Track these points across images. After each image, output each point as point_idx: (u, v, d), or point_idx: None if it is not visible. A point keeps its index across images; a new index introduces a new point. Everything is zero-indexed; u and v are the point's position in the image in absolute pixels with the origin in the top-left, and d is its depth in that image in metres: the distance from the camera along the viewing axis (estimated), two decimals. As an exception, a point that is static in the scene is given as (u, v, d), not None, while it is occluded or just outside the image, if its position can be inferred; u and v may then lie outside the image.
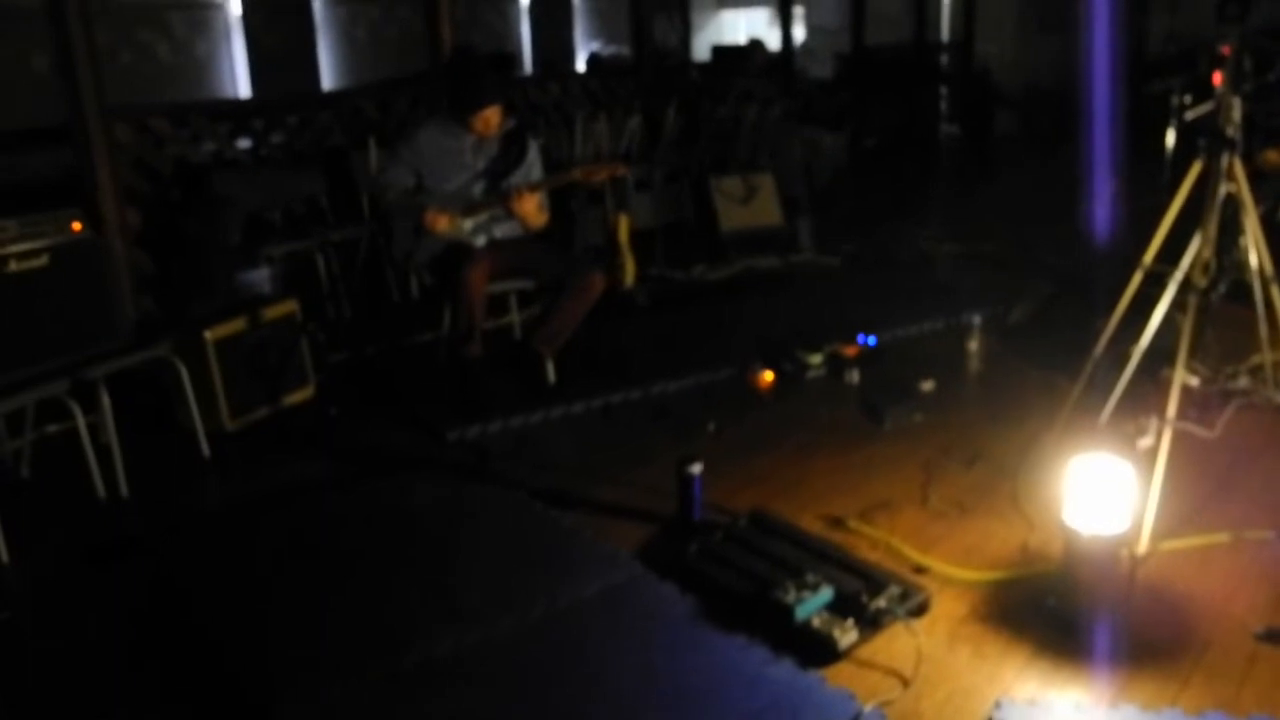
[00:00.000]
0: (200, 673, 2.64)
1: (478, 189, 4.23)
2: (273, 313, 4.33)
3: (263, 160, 6.06)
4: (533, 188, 4.12)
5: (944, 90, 13.28)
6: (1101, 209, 6.81)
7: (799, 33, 15.03)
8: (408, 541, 3.15)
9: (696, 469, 3.16)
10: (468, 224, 4.20)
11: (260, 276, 5.55)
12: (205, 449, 3.92)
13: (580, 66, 14.15)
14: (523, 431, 4.10)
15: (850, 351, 4.61)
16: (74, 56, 5.07)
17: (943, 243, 7.01)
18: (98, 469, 3.53)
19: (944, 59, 13.40)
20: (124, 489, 3.60)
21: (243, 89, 10.77)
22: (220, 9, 10.64)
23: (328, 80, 11.46)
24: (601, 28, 14.82)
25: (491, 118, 4.15)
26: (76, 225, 3.56)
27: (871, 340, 4.76)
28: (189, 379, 3.97)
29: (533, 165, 4.34)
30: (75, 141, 5.23)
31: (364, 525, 3.29)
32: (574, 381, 4.45)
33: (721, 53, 11.26)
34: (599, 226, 6.65)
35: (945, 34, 14.29)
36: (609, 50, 14.25)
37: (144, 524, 3.45)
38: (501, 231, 4.29)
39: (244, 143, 6.01)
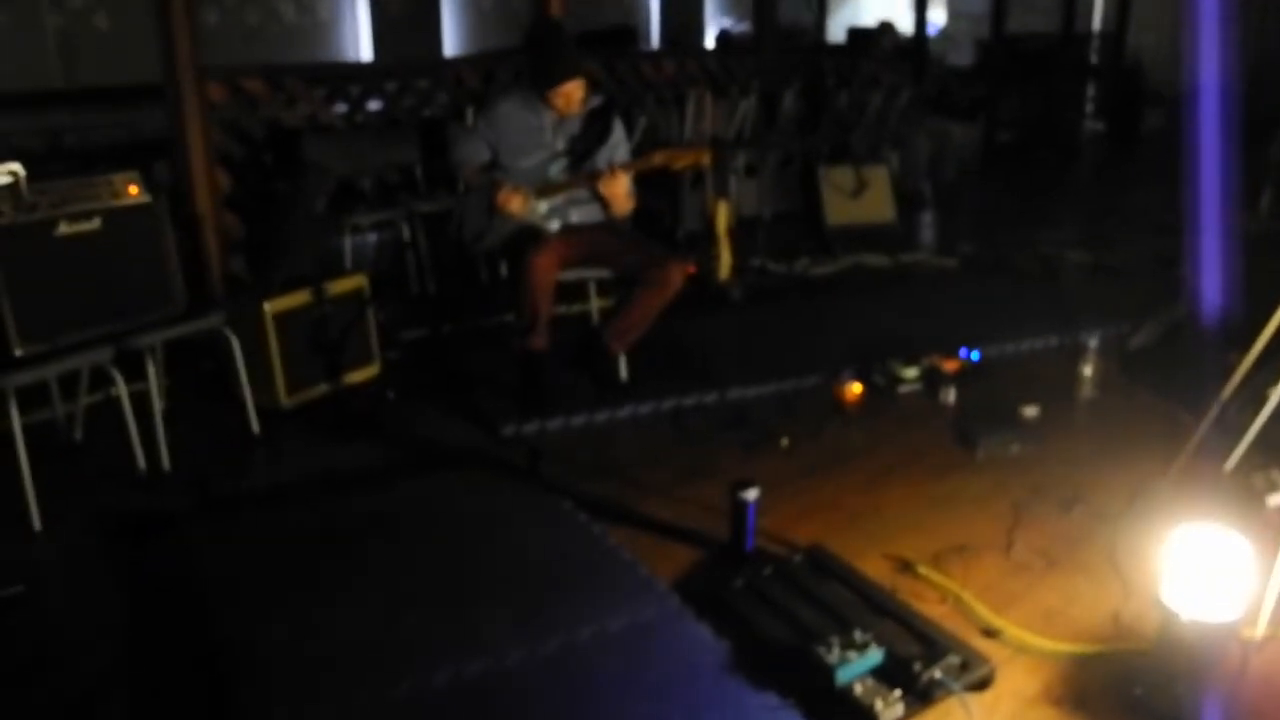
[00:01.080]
0: (193, 672, 2.47)
1: (555, 169, 3.98)
2: (339, 287, 4.17)
3: (358, 127, 5.94)
4: (624, 168, 3.85)
5: (1091, 84, 12.50)
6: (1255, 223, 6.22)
7: (940, 17, 14.37)
8: (438, 548, 2.94)
9: (752, 495, 2.86)
10: (543, 205, 3.96)
11: (346, 245, 5.42)
12: (255, 426, 3.78)
13: (709, 44, 13.78)
14: (584, 431, 3.86)
15: (950, 366, 4.23)
16: (170, 13, 5.01)
17: (1069, 250, 6.50)
18: (139, 441, 3.42)
19: (1093, 50, 12.60)
20: (166, 462, 3.49)
21: (365, 53, 10.76)
22: (348, -30, 10.65)
23: (450, 48, 11.37)
24: (734, 3, 14.39)
25: (573, 93, 3.89)
26: (133, 189, 3.44)
27: (975, 355, 4.37)
28: (245, 352, 3.86)
29: (616, 146, 4.07)
30: (167, 101, 5.19)
31: (396, 526, 3.09)
32: (647, 380, 4.18)
33: (857, 35, 10.77)
34: (699, 213, 6.35)
35: (1097, 23, 13.46)
36: (740, 28, 13.83)
37: (177, 501, 3.33)
38: (579, 216, 4.04)
39: (340, 108, 5.89)
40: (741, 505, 2.87)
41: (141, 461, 3.43)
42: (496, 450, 3.66)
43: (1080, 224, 7.73)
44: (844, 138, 7.78)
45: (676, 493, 3.32)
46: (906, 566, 2.87)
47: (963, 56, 13.12)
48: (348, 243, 5.36)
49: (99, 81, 8.88)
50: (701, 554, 2.96)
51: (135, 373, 3.48)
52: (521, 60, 5.89)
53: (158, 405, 3.48)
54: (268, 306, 3.90)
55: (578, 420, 3.88)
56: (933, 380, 4.18)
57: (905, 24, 9.88)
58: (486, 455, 3.62)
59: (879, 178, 6.36)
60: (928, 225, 7.32)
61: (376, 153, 5.87)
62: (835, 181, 6.30)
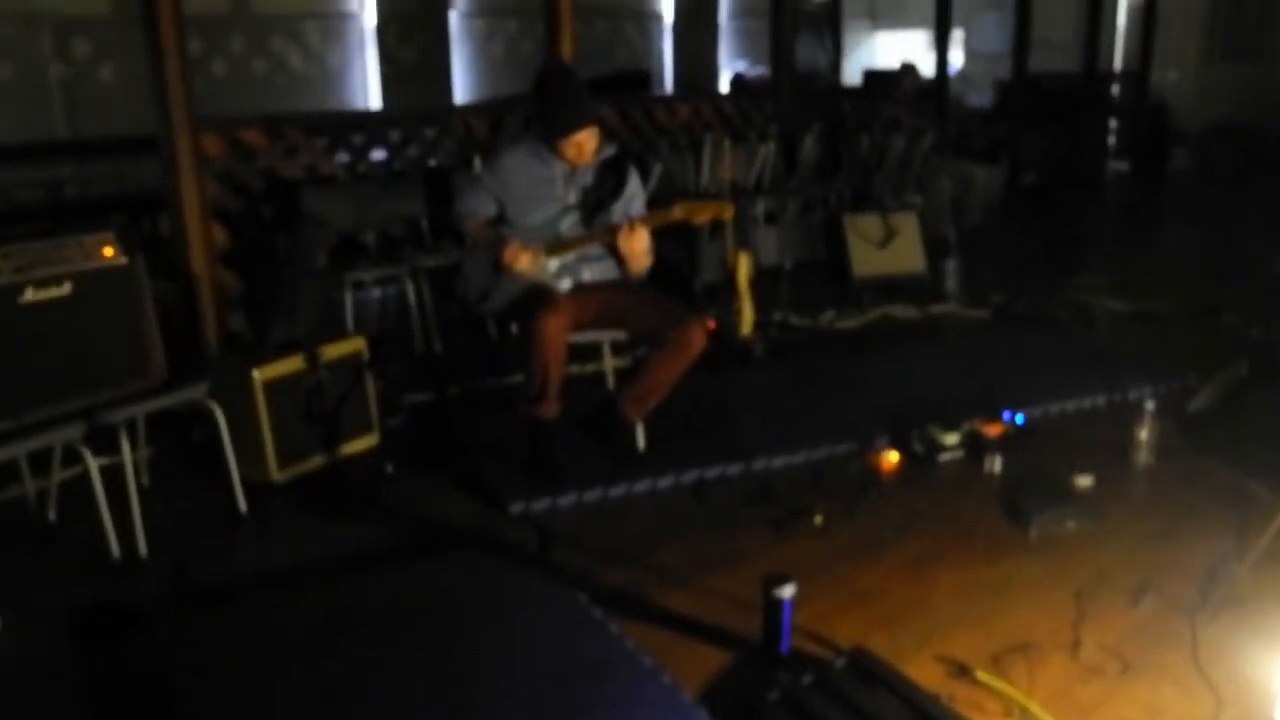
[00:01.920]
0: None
1: (566, 224, 3.70)
2: (335, 351, 3.89)
3: (361, 178, 5.70)
4: (645, 222, 3.57)
5: (1114, 123, 12.24)
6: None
7: (957, 58, 14.18)
8: (435, 649, 2.63)
9: (788, 592, 2.55)
10: (553, 263, 3.68)
11: (347, 302, 5.15)
12: (242, 505, 3.49)
13: (724, 88, 13.60)
14: (598, 508, 3.55)
15: (993, 431, 3.92)
16: (164, 64, 4.79)
17: (1105, 297, 6.19)
18: (113, 525, 3.13)
19: (1115, 89, 12.35)
20: (142, 547, 3.20)
21: (374, 102, 10.59)
22: (355, 19, 10.49)
23: (460, 96, 11.20)
24: (748, 47, 14.24)
25: (586, 143, 3.62)
26: (108, 250, 3.18)
27: (1019, 418, 4.05)
28: (234, 422, 3.58)
29: (633, 199, 3.80)
30: (161, 154, 4.95)
31: (391, 621, 2.78)
32: (665, 448, 3.88)
33: (873, 77, 10.54)
34: (718, 263, 6.07)
35: (1118, 62, 13.24)
36: (755, 71, 13.64)
37: (152, 592, 3.03)
38: (591, 274, 3.76)
39: (341, 158, 5.66)
40: (776, 604, 2.55)
41: (115, 548, 3.13)
42: (504, 531, 3.36)
43: (1112, 268, 7.43)
44: (866, 182, 7.52)
45: (700, 581, 3.00)
46: (963, 671, 2.54)
47: (981, 98, 12.90)
48: (349, 299, 5.09)
49: (103, 133, 8.72)
50: (730, 656, 2.64)
51: (114, 446, 3.21)
52: (531, 107, 5.66)
53: (133, 486, 3.19)
54: (257, 374, 3.62)
55: (591, 495, 3.58)
56: (975, 447, 3.87)
57: (923, 65, 9.64)
58: (493, 537, 3.32)
59: (908, 225, 6.07)
60: (953, 273, 7.04)
61: (380, 205, 5.61)
62: (861, 230, 6.01)
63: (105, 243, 3.18)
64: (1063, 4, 12.78)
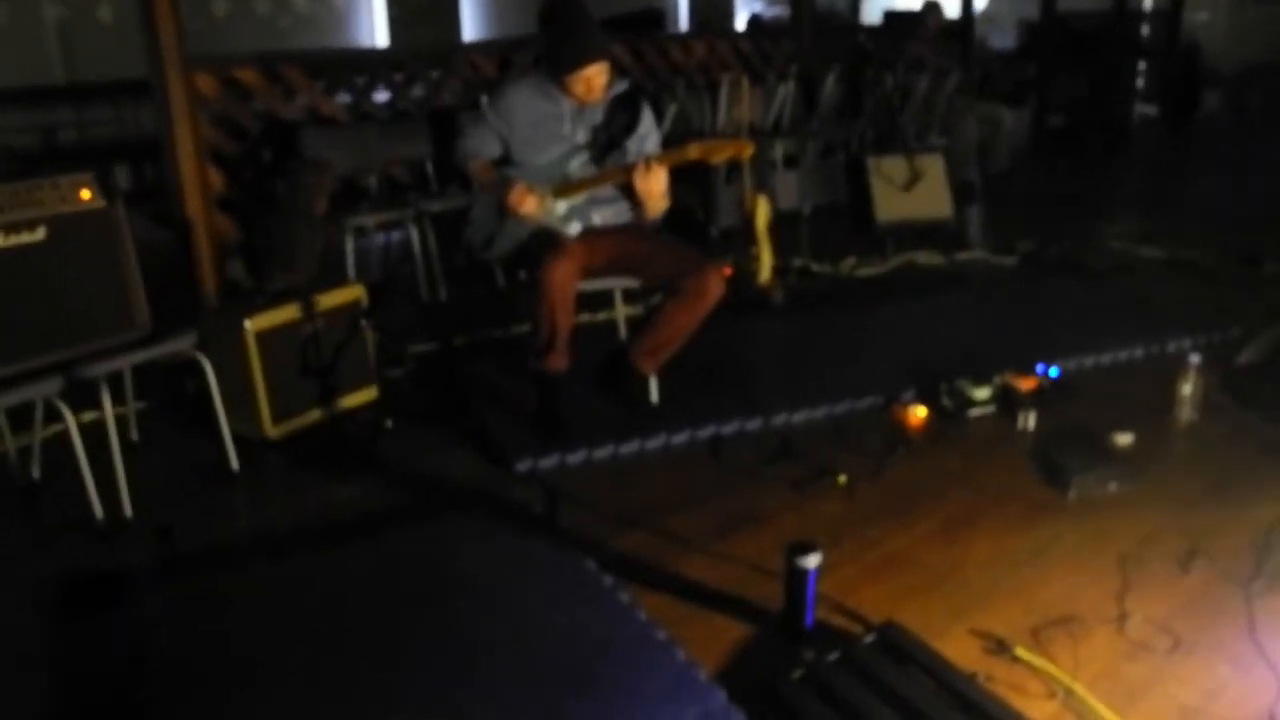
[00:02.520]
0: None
1: (575, 164, 3.47)
2: (332, 300, 3.70)
3: (363, 119, 5.46)
4: (660, 161, 3.33)
5: (1143, 64, 11.83)
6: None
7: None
8: (429, 618, 2.45)
9: (812, 561, 2.36)
10: (561, 206, 3.46)
11: (349, 248, 4.93)
12: (234, 463, 3.31)
13: (740, 29, 13.22)
14: (609, 466, 3.36)
15: (1026, 385, 3.71)
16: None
17: (1140, 245, 5.94)
18: (94, 485, 2.95)
19: (1145, 29, 11.93)
20: (128, 508, 3.02)
21: (381, 43, 10.30)
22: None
23: (470, 37, 10.89)
24: (768, -14, 13.82)
25: (595, 79, 3.38)
26: (86, 193, 2.97)
27: (1053, 371, 3.83)
28: (226, 376, 3.41)
29: (646, 137, 3.56)
30: (153, 94, 4.73)
31: (380, 589, 2.61)
32: (681, 403, 3.68)
33: (895, 18, 10.17)
34: (735, 208, 5.83)
35: (1148, 1, 12.79)
36: (772, 12, 13.25)
37: (136, 556, 2.86)
38: (602, 217, 3.53)
39: (343, 99, 5.42)
40: (800, 575, 2.36)
41: (98, 509, 2.96)
42: (509, 491, 3.17)
43: (1145, 216, 7.16)
44: (889, 125, 7.22)
45: (718, 547, 2.81)
46: (1001, 647, 2.35)
47: (1005, 39, 12.49)
48: (350, 246, 4.88)
49: (101, 76, 8.48)
50: (751, 629, 2.46)
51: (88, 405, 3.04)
52: (539, 44, 5.39)
53: (116, 444, 3.01)
54: (249, 324, 3.42)
55: (602, 452, 3.39)
56: (1008, 402, 3.66)
57: (947, 4, 9.28)
58: (497, 498, 3.13)
59: (933, 168, 5.79)
60: (978, 219, 6.78)
61: (383, 147, 5.38)
62: (885, 172, 5.73)
63: (82, 185, 2.98)
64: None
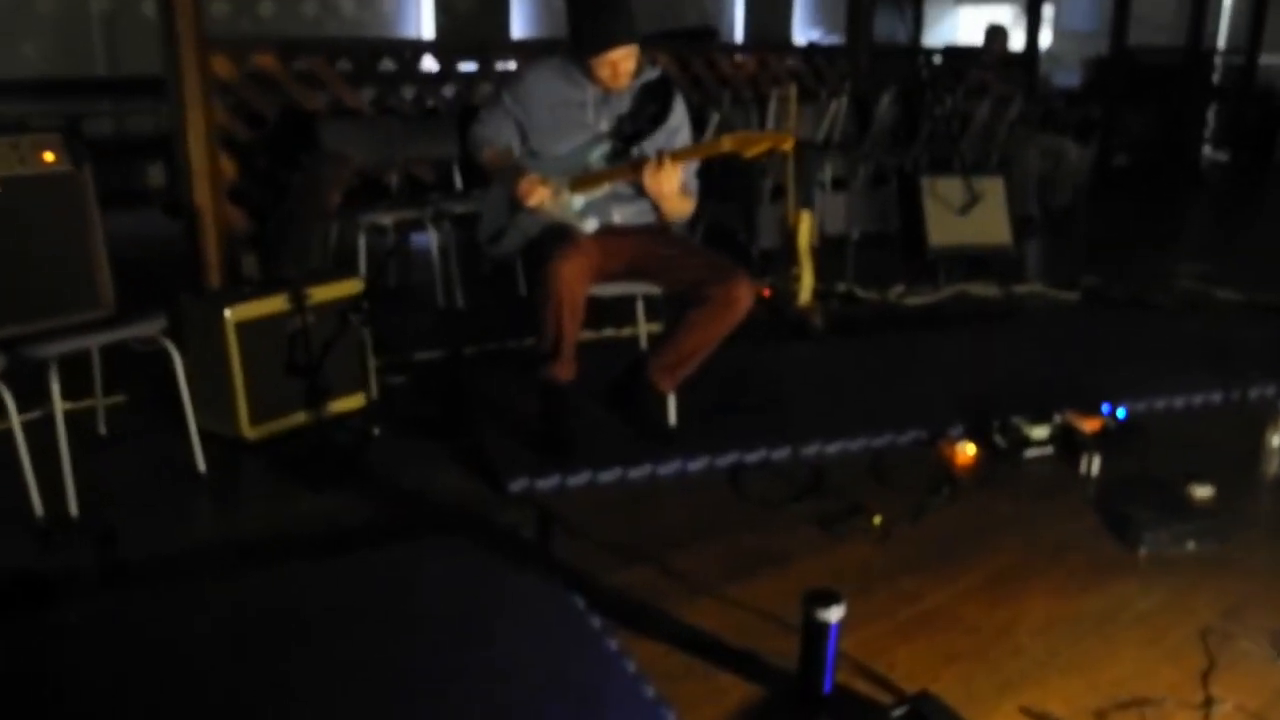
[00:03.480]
0: None
1: (596, 155, 3.14)
2: (326, 292, 3.37)
3: (387, 112, 5.18)
4: (675, 156, 2.99)
5: (1213, 107, 11.35)
6: None
7: (1045, 37, 13.32)
8: (377, 651, 2.10)
9: (834, 615, 1.98)
10: (577, 200, 3.12)
11: (360, 246, 4.64)
12: (201, 464, 2.99)
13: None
14: (616, 491, 3.00)
15: (1089, 426, 3.30)
16: (172, -30, 4.31)
17: (1214, 286, 5.49)
18: (34, 479, 2.64)
19: (1218, 70, 11.45)
20: (73, 506, 2.71)
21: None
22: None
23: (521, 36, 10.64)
24: (823, 16, 13.49)
25: (622, 63, 3.05)
26: (48, 155, 2.68)
27: (1120, 413, 3.42)
28: (203, 369, 3.12)
29: (677, 131, 3.22)
30: (166, 75, 4.49)
31: (341, 620, 2.26)
32: (701, 426, 3.32)
33: (954, 53, 9.81)
34: (778, 227, 5.46)
35: (1222, 40, 12.31)
36: (829, 40, 12.93)
37: (73, 560, 2.54)
38: (622, 215, 3.19)
39: (367, 92, 5.15)
40: (819, 629, 1.98)
41: (39, 507, 2.65)
42: (499, 513, 2.82)
43: (1219, 258, 6.70)
44: (946, 151, 6.84)
45: (730, 591, 2.44)
46: (1059, 732, 1.96)
47: (1069, 77, 12.07)
48: (362, 244, 4.58)
49: (143, 71, 8.33)
50: (759, 691, 2.08)
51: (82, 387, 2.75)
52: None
53: (63, 434, 2.69)
54: (229, 313, 3.11)
55: (608, 476, 3.03)
56: (1068, 443, 3.25)
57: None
58: (484, 520, 2.78)
59: (993, 191, 5.39)
60: (1037, 255, 6.38)
61: (407, 144, 5.11)
62: (941, 194, 5.34)
63: (46, 145, 2.69)
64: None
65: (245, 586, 2.40)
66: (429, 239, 4.81)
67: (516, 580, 2.40)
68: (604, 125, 3.17)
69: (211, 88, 4.55)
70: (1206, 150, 11.31)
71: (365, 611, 2.27)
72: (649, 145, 3.11)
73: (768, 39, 13.00)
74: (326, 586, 2.39)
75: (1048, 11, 13.05)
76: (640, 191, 3.10)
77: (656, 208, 3.15)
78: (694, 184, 3.27)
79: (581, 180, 3.11)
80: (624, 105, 3.18)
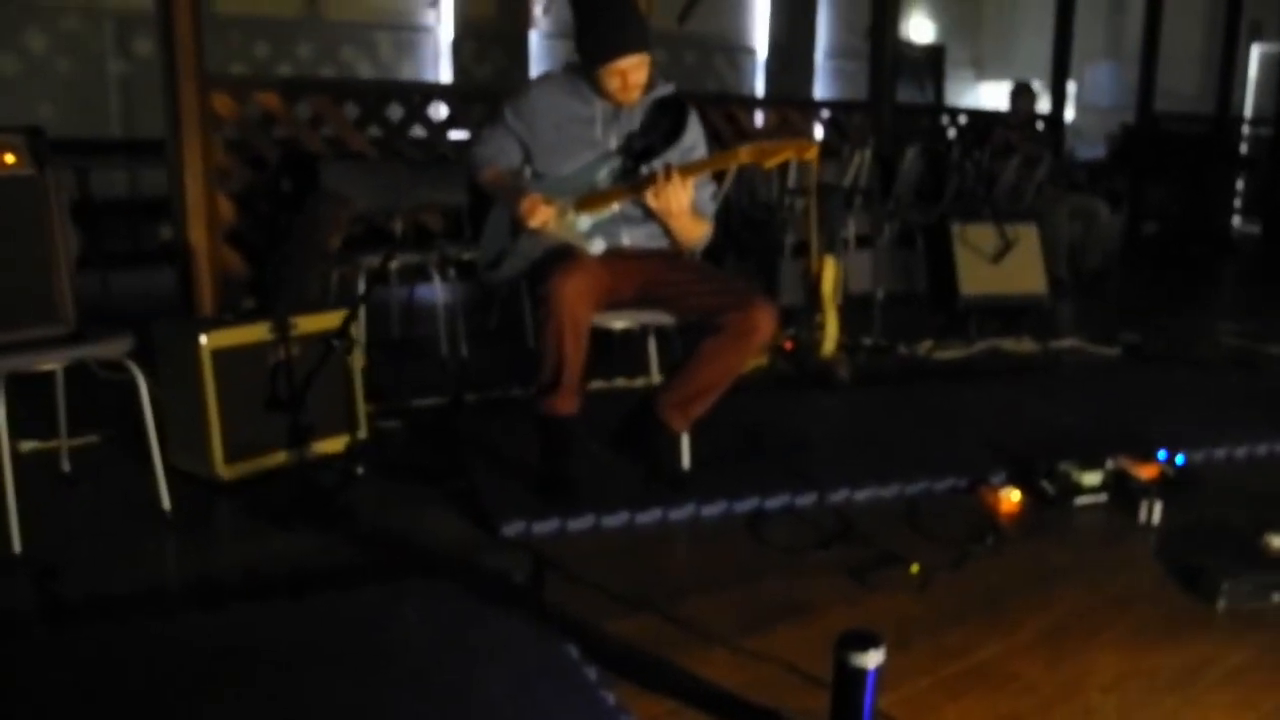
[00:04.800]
0: None
1: (605, 173, 2.91)
2: (314, 324, 3.13)
3: (394, 156, 5.00)
4: (684, 170, 2.75)
5: (1242, 177, 11.13)
6: None
7: (1068, 113, 13.22)
8: (351, 708, 1.80)
9: (872, 660, 1.67)
10: (583, 220, 2.88)
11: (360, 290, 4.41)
12: (165, 502, 2.72)
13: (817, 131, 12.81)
14: (621, 537, 2.70)
15: (1145, 473, 3.00)
16: (172, 3, 4.18)
17: (1261, 342, 5.19)
18: (-25, 513, 2.38)
19: (1245, 140, 11.26)
20: (16, 542, 2.43)
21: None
22: (430, 32, 9.96)
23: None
24: (845, 89, 13.45)
25: (632, 74, 2.83)
26: (9, 157, 2.47)
27: (1179, 459, 3.12)
28: (177, 401, 2.89)
29: (691, 150, 2.99)
30: (165, 109, 4.33)
31: (298, 663, 1.96)
32: (717, 469, 3.04)
33: (979, 114, 9.67)
34: (799, 282, 5.21)
35: (1249, 109, 12.14)
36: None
37: (9, 600, 2.26)
38: (632, 239, 2.95)
39: (373, 132, 4.98)
40: (855, 677, 1.67)
41: (-22, 541, 2.38)
42: (490, 558, 2.52)
43: (1261, 319, 6.39)
44: (974, 209, 6.61)
45: (748, 641, 2.13)
46: (1142, 807, 1.63)
47: (1093, 150, 11.92)
48: (362, 285, 4.35)
49: (157, 134, 8.27)
50: (782, 755, 1.77)
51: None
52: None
53: (7, 460, 2.43)
54: (205, 339, 2.86)
55: (613, 521, 2.73)
56: (1123, 490, 2.95)
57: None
58: (473, 563, 2.49)
59: (1027, 238, 5.13)
60: (1071, 314, 6.09)
61: (414, 189, 4.89)
62: (972, 241, 5.09)
63: (6, 147, 2.47)
64: (1186, 52, 11.80)
65: (191, 626, 2.11)
66: (435, 291, 4.59)
67: (500, 625, 2.10)
68: (613, 142, 2.94)
69: (210, 125, 4.38)
70: (1236, 221, 11.07)
71: (326, 655, 1.97)
72: (660, 164, 2.87)
73: (792, 59, 12.90)
74: (285, 627, 2.10)
75: (1070, 87, 13.00)
76: (640, 210, 2.86)
77: (668, 231, 2.91)
78: (709, 207, 3.03)
79: (588, 200, 2.87)
80: (634, 121, 2.96)
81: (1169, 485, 2.98)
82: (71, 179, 7.61)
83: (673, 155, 2.92)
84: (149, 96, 8.63)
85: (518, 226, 2.87)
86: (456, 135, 5.31)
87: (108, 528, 2.68)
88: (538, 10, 10.53)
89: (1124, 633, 2.20)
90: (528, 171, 2.97)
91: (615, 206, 2.89)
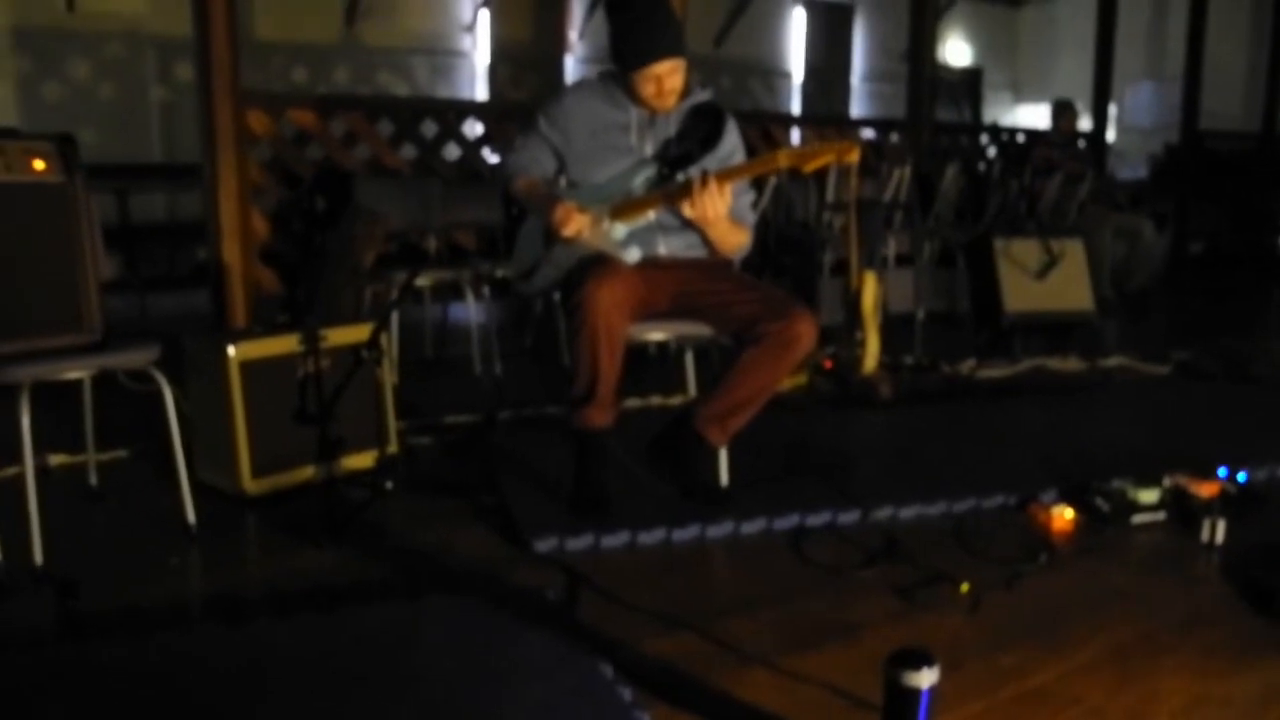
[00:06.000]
0: None
1: (640, 180, 2.83)
2: (344, 337, 3.07)
3: (428, 173, 4.97)
4: (721, 176, 2.67)
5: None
6: None
7: (1109, 134, 13.04)
8: (363, 714, 1.72)
9: (925, 679, 1.57)
10: (618, 229, 2.80)
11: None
12: (191, 516, 2.66)
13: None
14: (657, 554, 2.61)
15: (1206, 491, 2.86)
16: (210, 20, 4.18)
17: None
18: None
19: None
20: (38, 556, 2.38)
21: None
22: (466, 57, 10.01)
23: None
24: (881, 109, 13.37)
25: (667, 79, 2.76)
26: (38, 163, 2.44)
27: (1241, 477, 2.98)
28: (205, 416, 2.83)
29: (729, 158, 2.91)
30: (202, 126, 4.33)
31: (319, 681, 1.88)
32: (757, 486, 2.94)
33: (1019, 132, 9.53)
34: (838, 299, 5.11)
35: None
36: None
37: (28, 615, 2.20)
38: (669, 248, 2.87)
39: (408, 151, 4.95)
40: (907, 697, 1.57)
41: (-1, 554, 2.33)
42: (523, 575, 2.44)
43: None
44: (1016, 228, 6.49)
45: (789, 662, 2.02)
46: (1222, 841, 1.51)
47: (1134, 171, 11.73)
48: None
49: (198, 158, 8.35)
50: (828, 780, 1.66)
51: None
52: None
53: (30, 474, 2.38)
54: (233, 350, 2.82)
55: (649, 537, 2.64)
56: (1183, 508, 2.81)
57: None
58: (504, 580, 2.40)
59: (1073, 253, 5.01)
60: (1117, 332, 5.94)
61: (448, 208, 4.85)
62: (1016, 257, 4.97)
63: (35, 153, 2.44)
64: (1230, 71, 11.60)
65: (213, 641, 2.04)
66: (468, 310, 4.54)
67: (531, 643, 2.01)
68: (648, 149, 2.87)
69: (246, 143, 4.37)
70: (1281, 242, 10.82)
71: (352, 673, 1.89)
72: (696, 171, 2.79)
73: (828, 82, 12.83)
74: (309, 644, 2.02)
75: (1110, 109, 12.84)
76: (689, 222, 2.78)
77: (706, 240, 2.83)
78: (749, 215, 2.95)
79: (623, 207, 2.80)
80: (670, 128, 2.88)
81: (1231, 503, 2.85)
82: (111, 203, 7.71)
83: (710, 162, 2.84)
84: (189, 122, 8.70)
85: (551, 236, 2.80)
86: (491, 157, 5.27)
87: (132, 542, 2.63)
88: (573, 34, 10.56)
89: (1192, 655, 2.07)
90: (562, 180, 2.91)
91: (651, 214, 2.82)
